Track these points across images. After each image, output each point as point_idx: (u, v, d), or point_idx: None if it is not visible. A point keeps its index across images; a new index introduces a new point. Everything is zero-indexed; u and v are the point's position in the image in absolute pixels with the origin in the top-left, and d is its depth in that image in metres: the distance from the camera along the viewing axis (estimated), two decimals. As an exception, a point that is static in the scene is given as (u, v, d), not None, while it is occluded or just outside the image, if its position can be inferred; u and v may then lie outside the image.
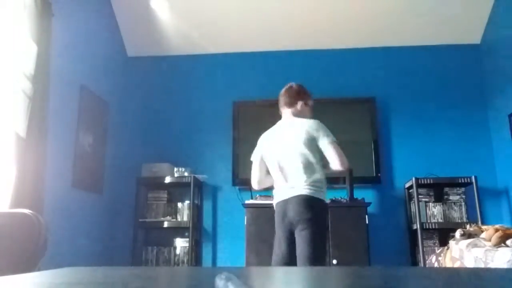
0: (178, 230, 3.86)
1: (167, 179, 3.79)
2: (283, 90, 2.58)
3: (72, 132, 3.35)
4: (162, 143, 4.13)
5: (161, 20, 4.08)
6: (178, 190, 3.98)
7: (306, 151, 2.31)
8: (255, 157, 2.57)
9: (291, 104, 2.51)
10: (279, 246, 2.39)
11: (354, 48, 4.17)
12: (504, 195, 3.71)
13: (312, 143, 2.32)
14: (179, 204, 3.89)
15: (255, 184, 2.58)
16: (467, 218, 3.57)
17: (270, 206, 3.61)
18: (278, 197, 2.43)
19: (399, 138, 4.00)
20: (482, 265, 2.20)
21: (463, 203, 3.65)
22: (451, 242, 2.80)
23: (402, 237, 3.77)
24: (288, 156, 2.37)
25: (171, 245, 3.86)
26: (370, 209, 3.52)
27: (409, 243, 3.73)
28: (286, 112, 2.54)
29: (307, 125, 2.37)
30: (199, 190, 3.99)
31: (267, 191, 3.82)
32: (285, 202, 2.34)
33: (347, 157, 2.34)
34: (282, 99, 2.56)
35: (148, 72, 4.34)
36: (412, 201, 3.68)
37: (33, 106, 2.58)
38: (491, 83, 3.92)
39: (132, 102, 4.26)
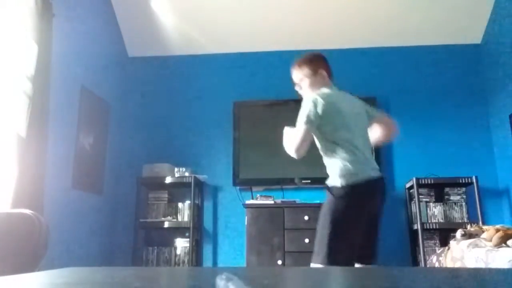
0: (179, 230, 3.86)
1: (168, 179, 3.79)
2: (322, 56, 2.25)
3: (73, 132, 3.35)
4: (163, 143, 4.13)
5: (162, 20, 4.08)
6: (178, 190, 3.98)
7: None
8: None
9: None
10: (359, 239, 1.94)
11: (354, 48, 4.16)
12: (505, 195, 3.70)
13: None
14: (180, 204, 3.89)
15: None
16: (468, 218, 3.57)
17: (270, 206, 3.62)
18: (366, 170, 2.01)
19: (399, 138, 3.98)
20: (483, 266, 2.19)
21: (463, 203, 3.64)
22: (452, 242, 2.80)
23: (403, 237, 3.76)
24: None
25: (171, 245, 3.85)
26: (370, 209, 3.52)
27: (410, 243, 3.73)
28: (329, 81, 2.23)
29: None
30: (199, 190, 3.99)
31: (267, 191, 3.84)
32: (376, 182, 2.03)
33: None
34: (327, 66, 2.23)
35: (149, 72, 4.34)
36: (413, 201, 3.67)
37: (34, 106, 2.58)
38: (492, 83, 3.92)
39: (133, 102, 4.26)
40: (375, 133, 2.28)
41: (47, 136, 2.69)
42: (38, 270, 1.58)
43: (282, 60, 4.19)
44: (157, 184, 3.90)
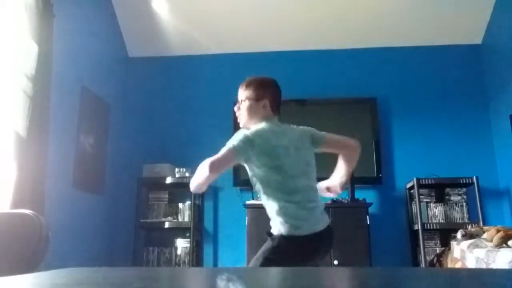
0: (179, 231, 3.86)
1: (168, 180, 3.78)
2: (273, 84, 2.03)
3: (73, 132, 3.35)
4: (163, 144, 4.12)
5: (162, 20, 4.08)
6: (179, 190, 3.98)
7: None
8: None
9: None
10: None
11: (355, 48, 4.16)
12: (505, 196, 3.70)
13: None
14: (180, 205, 3.89)
15: None
16: (469, 218, 3.56)
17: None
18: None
19: (400, 138, 3.99)
20: (483, 266, 2.19)
21: (464, 204, 3.64)
22: (453, 243, 2.80)
23: (403, 238, 3.76)
24: None
25: (172, 245, 3.85)
26: (371, 209, 3.52)
27: (410, 243, 3.72)
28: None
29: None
30: (200, 191, 3.99)
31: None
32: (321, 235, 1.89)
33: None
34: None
35: (149, 73, 4.34)
36: (413, 202, 3.67)
37: (34, 106, 2.58)
38: (493, 83, 3.91)
39: (133, 103, 4.26)
40: (339, 163, 2.04)
41: (47, 136, 2.69)
42: (38, 270, 1.58)
43: (282, 60, 4.19)
44: (158, 184, 3.90)
